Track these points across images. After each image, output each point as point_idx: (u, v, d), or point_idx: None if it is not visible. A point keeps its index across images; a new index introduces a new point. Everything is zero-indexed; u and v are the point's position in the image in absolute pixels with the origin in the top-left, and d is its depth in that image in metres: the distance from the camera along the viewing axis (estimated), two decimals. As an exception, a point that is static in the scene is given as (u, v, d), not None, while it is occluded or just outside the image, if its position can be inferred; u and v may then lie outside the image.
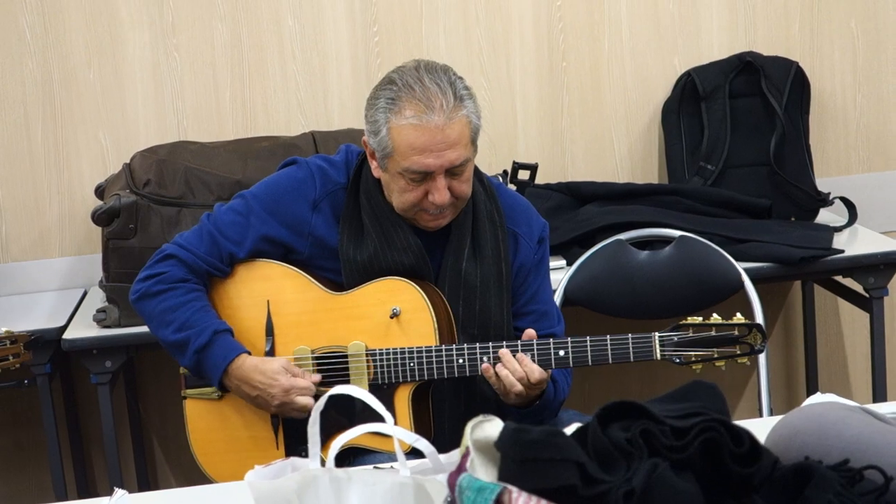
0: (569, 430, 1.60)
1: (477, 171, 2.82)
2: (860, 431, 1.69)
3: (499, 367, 2.64)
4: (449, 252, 2.78)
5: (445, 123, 2.61)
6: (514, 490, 1.45)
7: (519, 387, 2.62)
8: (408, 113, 2.62)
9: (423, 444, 1.82)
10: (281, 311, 2.79)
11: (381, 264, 2.74)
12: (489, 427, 1.59)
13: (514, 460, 1.48)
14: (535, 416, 2.73)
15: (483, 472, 1.56)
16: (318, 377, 2.73)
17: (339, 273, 2.78)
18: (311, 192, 2.78)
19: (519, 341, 2.67)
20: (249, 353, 2.75)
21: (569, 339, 2.67)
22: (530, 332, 2.68)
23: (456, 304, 2.77)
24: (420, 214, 2.71)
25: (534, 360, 2.64)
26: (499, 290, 2.79)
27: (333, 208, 2.78)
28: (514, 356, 2.64)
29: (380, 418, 1.77)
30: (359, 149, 2.84)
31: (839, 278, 4.00)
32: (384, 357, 2.72)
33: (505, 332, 2.78)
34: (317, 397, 2.70)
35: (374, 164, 2.74)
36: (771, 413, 3.45)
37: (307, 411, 2.66)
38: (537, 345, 2.65)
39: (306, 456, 1.87)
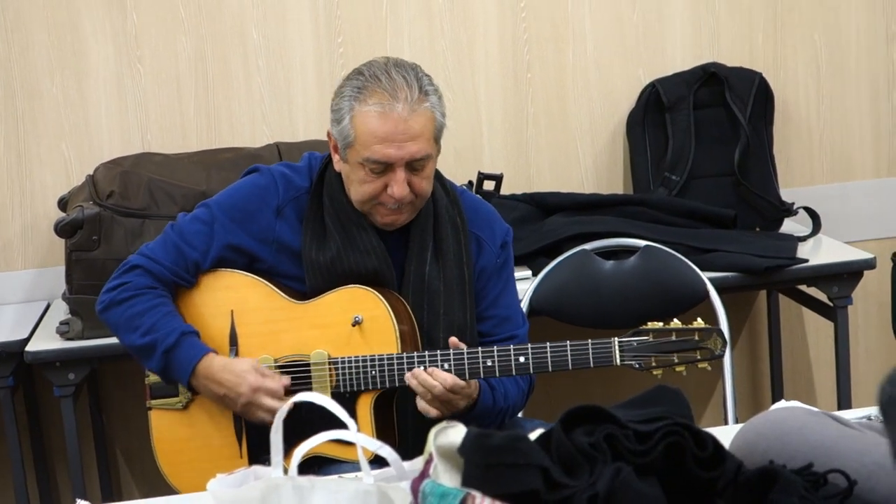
0: (532, 435, 1.60)
1: (440, 176, 2.83)
2: (823, 436, 1.69)
3: (409, 380, 2.64)
4: (411, 256, 2.78)
5: (409, 115, 2.62)
6: (478, 495, 1.44)
7: (428, 397, 2.62)
8: (372, 101, 2.63)
9: (386, 451, 1.82)
10: (244, 320, 2.79)
11: (343, 266, 2.73)
12: (452, 433, 1.58)
13: (477, 465, 1.48)
14: (477, 423, 2.71)
15: (447, 477, 1.55)
16: (287, 380, 2.71)
17: (303, 281, 2.77)
18: (273, 199, 2.78)
19: (479, 349, 2.66)
20: (217, 353, 2.73)
21: (528, 345, 2.66)
22: (453, 340, 2.67)
23: (420, 309, 2.77)
24: (377, 209, 2.72)
25: (494, 367, 2.64)
26: (462, 294, 2.80)
27: (297, 213, 2.78)
28: (425, 370, 2.63)
29: (343, 427, 1.76)
30: (321, 154, 2.85)
31: (803, 287, 4.02)
32: (346, 365, 2.71)
33: (469, 336, 2.77)
34: (293, 382, 2.72)
35: (336, 158, 2.75)
36: (736, 421, 3.45)
37: (272, 413, 2.64)
38: (497, 351, 2.64)
39: (268, 463, 1.86)
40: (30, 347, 3.54)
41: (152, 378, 2.84)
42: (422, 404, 2.64)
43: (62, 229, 3.58)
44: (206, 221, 2.80)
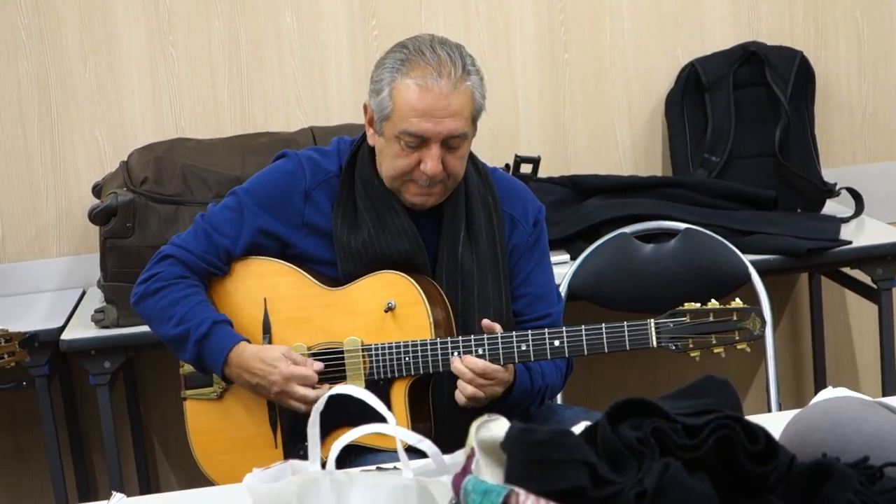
0: (577, 429, 1.56)
1: (471, 156, 2.79)
2: (879, 427, 1.64)
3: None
4: (444, 237, 2.75)
5: (450, 91, 2.59)
6: (522, 492, 1.40)
7: (470, 389, 2.58)
8: (414, 74, 2.60)
9: (426, 444, 1.78)
10: (277, 308, 2.76)
11: (375, 249, 2.71)
12: (495, 427, 1.54)
13: (521, 461, 1.44)
14: (516, 406, 2.68)
15: (489, 473, 1.51)
16: (320, 365, 2.68)
17: (335, 266, 2.74)
18: (301, 183, 2.76)
19: (514, 333, 2.62)
20: (249, 342, 2.71)
21: (563, 328, 2.62)
22: (486, 322, 2.63)
23: (454, 291, 2.74)
24: (407, 186, 2.68)
25: (528, 351, 2.60)
26: (496, 275, 2.76)
27: (327, 197, 2.76)
28: (461, 361, 2.59)
29: (379, 414, 1.72)
30: (351, 139, 2.82)
31: (847, 270, 3.96)
32: (379, 352, 2.68)
33: (504, 317, 2.73)
34: (326, 366, 2.69)
35: (370, 132, 2.72)
36: (780, 407, 3.40)
37: (305, 402, 2.63)
38: (532, 335, 2.60)
39: (305, 454, 1.83)
40: (65, 336, 3.53)
41: (187, 368, 2.82)
42: (457, 393, 2.61)
43: (96, 216, 3.56)
44: (235, 209, 2.78)
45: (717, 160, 4.02)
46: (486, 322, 2.62)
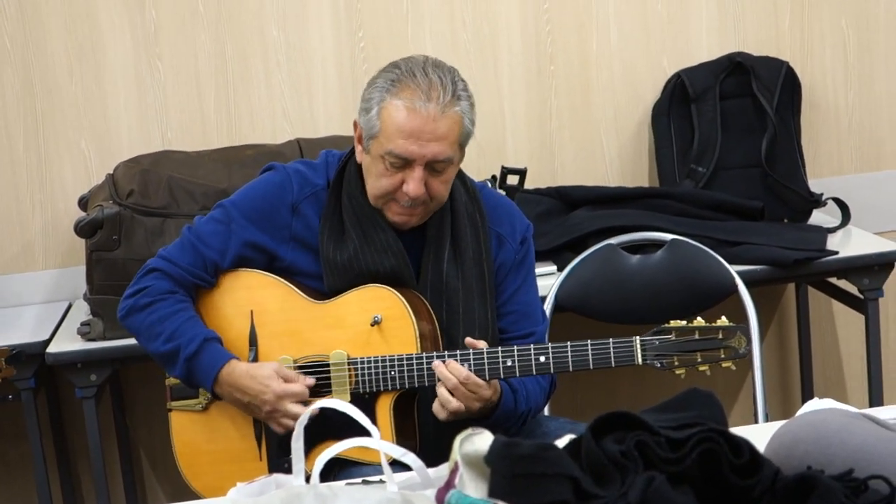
0: (561, 442, 1.55)
1: (460, 173, 2.79)
2: (864, 440, 1.64)
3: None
4: (428, 254, 2.75)
5: (438, 115, 2.59)
6: (505, 506, 1.40)
7: (454, 403, 2.57)
8: (403, 95, 2.60)
9: (410, 458, 1.78)
10: (264, 320, 2.76)
11: (361, 264, 2.70)
12: (479, 441, 1.54)
13: (504, 475, 1.43)
14: (498, 426, 2.68)
15: (472, 487, 1.51)
16: (311, 381, 2.68)
17: (321, 279, 2.74)
18: (288, 196, 2.75)
19: (499, 348, 2.62)
20: (239, 360, 2.70)
21: (549, 344, 2.62)
22: (469, 341, 2.63)
23: (439, 308, 2.74)
24: (390, 205, 2.69)
25: (514, 367, 2.59)
26: (482, 292, 2.76)
27: (314, 210, 2.76)
28: (445, 366, 2.59)
29: (364, 428, 1.72)
30: (340, 152, 2.82)
31: (833, 280, 3.96)
32: (365, 366, 2.67)
33: (490, 334, 2.73)
34: (317, 382, 2.69)
35: (359, 149, 2.72)
36: (766, 418, 3.40)
37: (296, 420, 2.61)
38: (518, 351, 2.60)
39: (290, 468, 1.82)
40: (51, 349, 3.51)
41: (172, 380, 2.81)
42: (436, 404, 2.60)
43: (82, 229, 3.55)
44: (222, 221, 2.78)
45: (703, 171, 4.02)
46: (469, 340, 2.62)
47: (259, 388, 2.65)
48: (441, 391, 2.59)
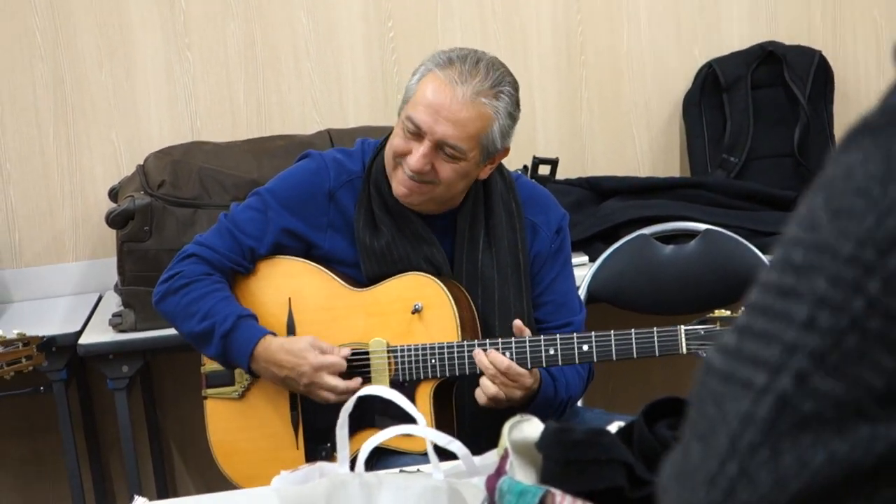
0: (612, 428, 1.54)
1: (499, 165, 2.78)
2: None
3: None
4: (460, 243, 2.74)
5: (465, 100, 2.57)
6: (558, 493, 1.38)
7: (492, 388, 2.56)
8: (446, 72, 2.59)
9: (456, 445, 1.76)
10: (302, 307, 2.75)
11: (397, 252, 2.70)
12: (527, 428, 1.52)
13: (556, 462, 1.42)
14: (536, 414, 2.66)
15: (522, 474, 1.49)
16: (347, 351, 2.67)
17: (359, 267, 2.73)
18: (325, 183, 2.74)
19: (542, 337, 2.60)
20: (275, 335, 2.69)
21: (592, 333, 2.60)
22: (518, 324, 2.61)
23: (475, 297, 2.72)
24: (396, 172, 2.66)
25: (556, 356, 2.58)
26: (517, 281, 2.74)
27: (351, 197, 2.74)
28: (486, 356, 2.57)
29: (404, 416, 1.71)
30: (375, 140, 2.81)
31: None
32: (405, 354, 2.67)
33: (526, 323, 2.70)
34: (354, 354, 2.68)
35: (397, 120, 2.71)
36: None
37: (336, 392, 2.62)
38: (560, 339, 2.59)
39: (328, 455, 1.81)
40: (83, 340, 3.51)
41: (208, 367, 2.80)
42: (478, 391, 2.59)
43: (113, 220, 3.54)
44: (259, 209, 2.77)
45: (735, 161, 4.00)
46: (517, 323, 2.61)
47: (296, 360, 2.64)
48: (482, 378, 2.58)
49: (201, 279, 2.73)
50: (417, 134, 2.60)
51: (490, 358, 2.56)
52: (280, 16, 4.00)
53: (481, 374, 2.60)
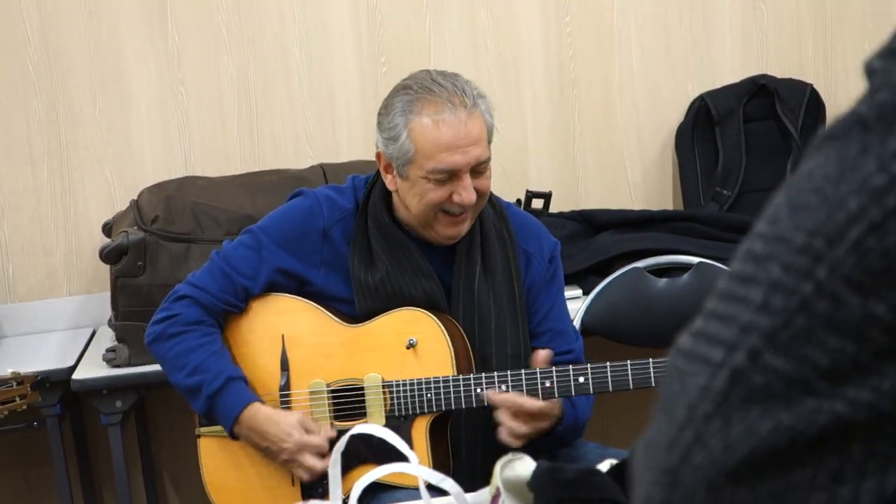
0: (603, 466, 1.54)
1: (490, 194, 2.78)
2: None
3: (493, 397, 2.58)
4: (459, 274, 2.73)
5: (467, 119, 2.58)
6: (550, 532, 1.38)
7: (523, 429, 2.55)
8: (429, 111, 2.58)
9: (448, 483, 1.76)
10: (296, 344, 2.75)
11: (392, 287, 2.69)
12: (519, 466, 1.52)
13: (548, 501, 1.42)
14: (560, 442, 2.66)
15: (515, 512, 1.50)
16: (333, 432, 2.67)
17: (353, 304, 2.73)
18: (319, 221, 2.74)
19: (538, 369, 2.60)
20: (263, 403, 2.70)
21: (588, 365, 2.60)
22: (543, 354, 2.61)
23: (471, 328, 2.72)
24: (439, 218, 2.65)
25: (553, 388, 2.57)
26: (513, 311, 2.74)
27: (344, 235, 2.74)
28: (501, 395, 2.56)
29: (399, 450, 1.71)
30: (365, 176, 2.81)
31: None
32: (401, 389, 2.66)
33: (522, 353, 2.71)
34: (340, 434, 2.65)
35: (388, 178, 2.69)
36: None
37: (312, 473, 2.64)
38: (556, 372, 2.59)
39: (324, 492, 1.81)
40: (76, 375, 3.51)
41: (201, 428, 2.81)
42: (503, 432, 2.56)
43: (107, 255, 3.54)
44: (252, 247, 2.76)
45: (728, 194, 4.01)
46: (542, 354, 2.61)
47: (281, 435, 2.65)
48: (504, 419, 2.56)
49: (194, 329, 2.72)
50: (450, 177, 2.61)
51: (522, 402, 2.56)
52: (273, 50, 4.02)
53: (478, 407, 2.60)
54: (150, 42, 3.97)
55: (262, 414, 2.66)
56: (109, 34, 3.95)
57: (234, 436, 2.71)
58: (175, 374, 2.73)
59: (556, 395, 2.60)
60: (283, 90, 4.03)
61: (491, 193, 2.80)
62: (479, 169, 2.62)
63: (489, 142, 2.66)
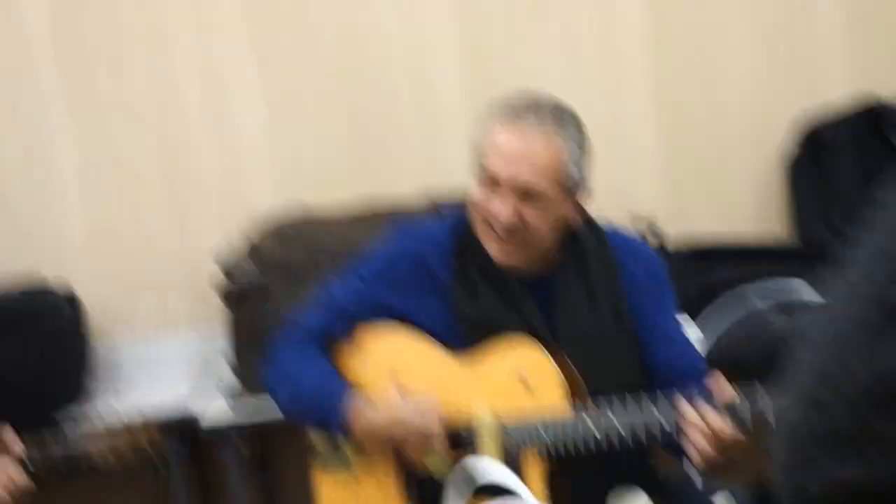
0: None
1: (586, 216, 2.77)
2: None
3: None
4: (562, 303, 2.72)
5: (532, 137, 2.59)
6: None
7: (708, 450, 2.45)
8: (509, 116, 2.62)
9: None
10: (406, 378, 2.75)
11: (495, 320, 2.69)
12: (630, 499, 1.53)
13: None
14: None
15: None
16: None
17: (457, 336, 2.73)
18: (420, 254, 2.77)
19: (654, 396, 2.54)
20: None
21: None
22: (715, 383, 2.51)
23: (580, 358, 2.68)
24: (487, 232, 2.67)
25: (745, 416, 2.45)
26: (622, 337, 2.71)
27: (445, 267, 2.75)
28: (694, 407, 2.46)
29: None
30: (463, 210, 2.82)
31: None
32: (513, 424, 2.65)
33: (636, 380, 2.68)
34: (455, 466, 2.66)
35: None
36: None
37: (435, 437, 2.63)
38: (676, 399, 2.49)
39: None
40: (200, 419, 3.56)
41: (318, 446, 2.83)
42: (692, 452, 2.47)
43: (223, 291, 3.61)
44: (354, 283, 2.81)
45: (843, 224, 3.96)
46: (715, 382, 2.52)
47: (393, 409, 2.66)
48: (696, 438, 2.48)
49: (301, 359, 2.77)
50: (494, 182, 2.62)
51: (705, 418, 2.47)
52: (383, 82, 4.05)
53: (597, 441, 2.57)
54: (261, 75, 4.02)
55: (369, 401, 2.68)
56: (219, 67, 4.02)
57: (351, 438, 2.71)
58: (284, 397, 2.79)
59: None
60: (393, 121, 4.06)
61: (591, 217, 2.80)
62: (528, 197, 2.61)
63: (561, 185, 2.63)
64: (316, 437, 2.83)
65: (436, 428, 2.65)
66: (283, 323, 2.88)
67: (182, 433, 3.59)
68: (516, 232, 2.64)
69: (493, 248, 2.68)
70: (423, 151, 4.08)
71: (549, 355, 2.65)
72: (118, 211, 4.05)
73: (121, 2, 3.98)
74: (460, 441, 2.69)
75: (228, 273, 3.78)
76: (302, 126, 4.06)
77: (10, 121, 3.99)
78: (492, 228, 2.66)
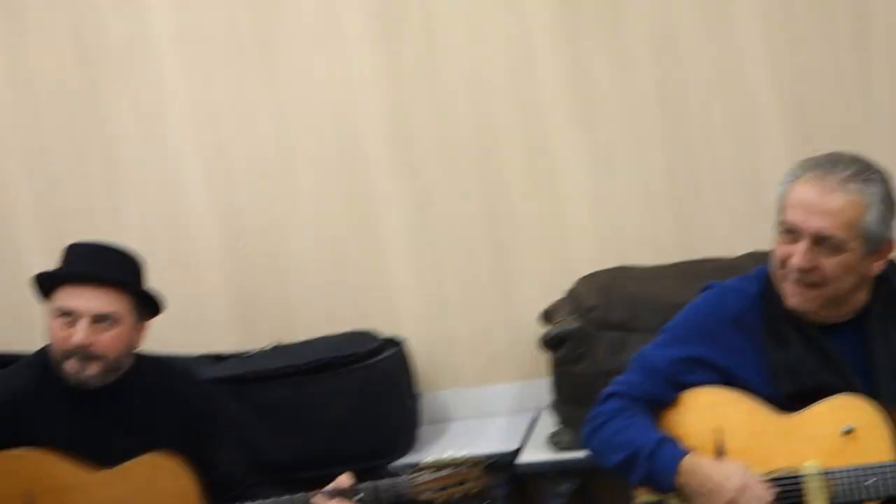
0: None
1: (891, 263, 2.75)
2: None
3: None
4: (874, 352, 2.71)
5: (834, 189, 2.61)
6: None
7: None
8: (812, 171, 2.65)
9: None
10: (730, 437, 2.77)
11: (807, 369, 2.70)
12: None
13: None
14: None
15: None
16: (773, 492, 2.67)
17: (774, 389, 2.74)
18: (728, 310, 2.81)
19: None
20: (701, 455, 2.74)
21: None
22: None
23: None
24: (785, 282, 2.69)
25: None
26: None
27: (754, 320, 2.79)
28: None
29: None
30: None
31: None
32: (843, 476, 2.64)
33: None
34: None
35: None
36: None
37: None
38: None
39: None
40: (522, 459, 3.64)
41: (642, 498, 2.85)
42: None
43: (547, 343, 3.68)
44: (667, 343, 2.87)
45: None
46: None
47: (723, 475, 2.67)
48: None
49: (620, 413, 2.83)
50: (794, 234, 2.65)
51: None
52: (702, 139, 4.06)
53: None
54: (584, 139, 4.10)
55: (704, 461, 2.71)
56: (551, 143, 4.12)
57: (672, 488, 2.73)
58: (609, 456, 2.83)
59: None
60: (712, 179, 4.07)
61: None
62: (826, 244, 2.62)
63: (862, 235, 2.63)
64: (640, 490, 2.86)
65: (769, 495, 2.66)
66: (607, 382, 2.94)
67: (504, 472, 3.65)
68: (811, 278, 2.66)
69: (787, 291, 2.71)
70: (747, 208, 4.06)
71: (877, 411, 2.64)
72: (447, 274, 4.21)
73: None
74: (786, 496, 2.69)
75: (547, 321, 3.85)
76: (624, 189, 4.11)
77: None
78: (788, 280, 2.69)
